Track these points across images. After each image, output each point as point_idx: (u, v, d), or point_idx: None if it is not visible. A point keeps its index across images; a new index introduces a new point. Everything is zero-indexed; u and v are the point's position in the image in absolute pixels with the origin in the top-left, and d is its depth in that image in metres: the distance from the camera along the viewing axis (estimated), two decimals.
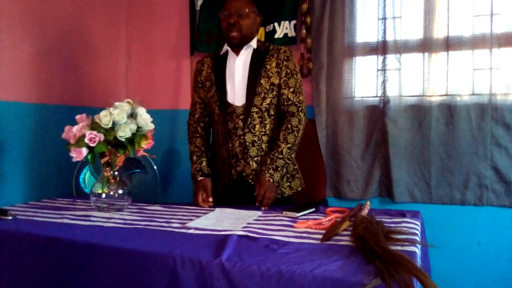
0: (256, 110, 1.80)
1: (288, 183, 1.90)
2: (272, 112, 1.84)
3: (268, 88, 1.81)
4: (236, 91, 1.83)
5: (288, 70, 1.83)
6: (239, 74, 1.84)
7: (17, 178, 2.21)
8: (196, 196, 1.81)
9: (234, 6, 1.81)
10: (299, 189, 1.93)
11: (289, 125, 1.80)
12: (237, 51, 1.86)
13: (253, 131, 1.81)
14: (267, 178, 1.73)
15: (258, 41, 1.89)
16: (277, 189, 1.78)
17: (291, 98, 1.82)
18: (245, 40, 1.84)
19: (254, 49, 1.85)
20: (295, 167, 1.93)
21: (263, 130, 1.83)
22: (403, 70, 2.40)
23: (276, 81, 1.82)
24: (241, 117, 1.80)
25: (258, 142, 1.82)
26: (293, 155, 1.82)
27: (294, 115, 1.81)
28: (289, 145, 1.78)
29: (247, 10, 1.81)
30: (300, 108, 1.82)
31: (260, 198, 1.70)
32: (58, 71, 2.46)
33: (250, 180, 1.83)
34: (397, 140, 2.39)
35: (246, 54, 1.86)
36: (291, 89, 1.82)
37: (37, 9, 2.32)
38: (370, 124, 2.48)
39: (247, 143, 1.81)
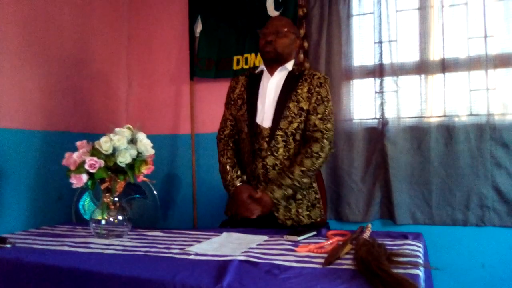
0: (282, 133, 1.79)
1: (308, 212, 1.84)
2: (298, 137, 1.82)
3: (296, 112, 1.79)
4: (265, 112, 1.82)
5: (319, 97, 1.81)
6: (271, 95, 1.84)
7: (17, 205, 2.20)
8: (239, 203, 1.76)
9: (274, 24, 1.83)
10: (318, 219, 1.87)
11: (309, 150, 1.77)
12: (271, 71, 1.87)
13: (275, 154, 1.80)
14: (267, 192, 1.72)
15: (295, 64, 1.90)
16: (272, 207, 1.75)
17: (317, 125, 1.79)
18: (280, 59, 1.84)
19: (289, 71, 1.86)
20: (317, 196, 1.89)
21: (286, 154, 1.81)
22: (401, 92, 2.42)
23: (305, 106, 1.80)
24: (266, 139, 1.80)
25: (280, 166, 1.80)
26: (305, 180, 1.76)
27: (317, 140, 1.78)
28: (302, 168, 1.74)
29: (285, 29, 1.82)
30: (326, 136, 1.79)
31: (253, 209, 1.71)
32: (59, 98, 2.49)
33: None
34: (397, 161, 2.39)
35: (280, 76, 1.86)
36: (319, 116, 1.80)
37: (39, 37, 2.36)
38: (369, 146, 2.49)
39: (268, 166, 1.80)
